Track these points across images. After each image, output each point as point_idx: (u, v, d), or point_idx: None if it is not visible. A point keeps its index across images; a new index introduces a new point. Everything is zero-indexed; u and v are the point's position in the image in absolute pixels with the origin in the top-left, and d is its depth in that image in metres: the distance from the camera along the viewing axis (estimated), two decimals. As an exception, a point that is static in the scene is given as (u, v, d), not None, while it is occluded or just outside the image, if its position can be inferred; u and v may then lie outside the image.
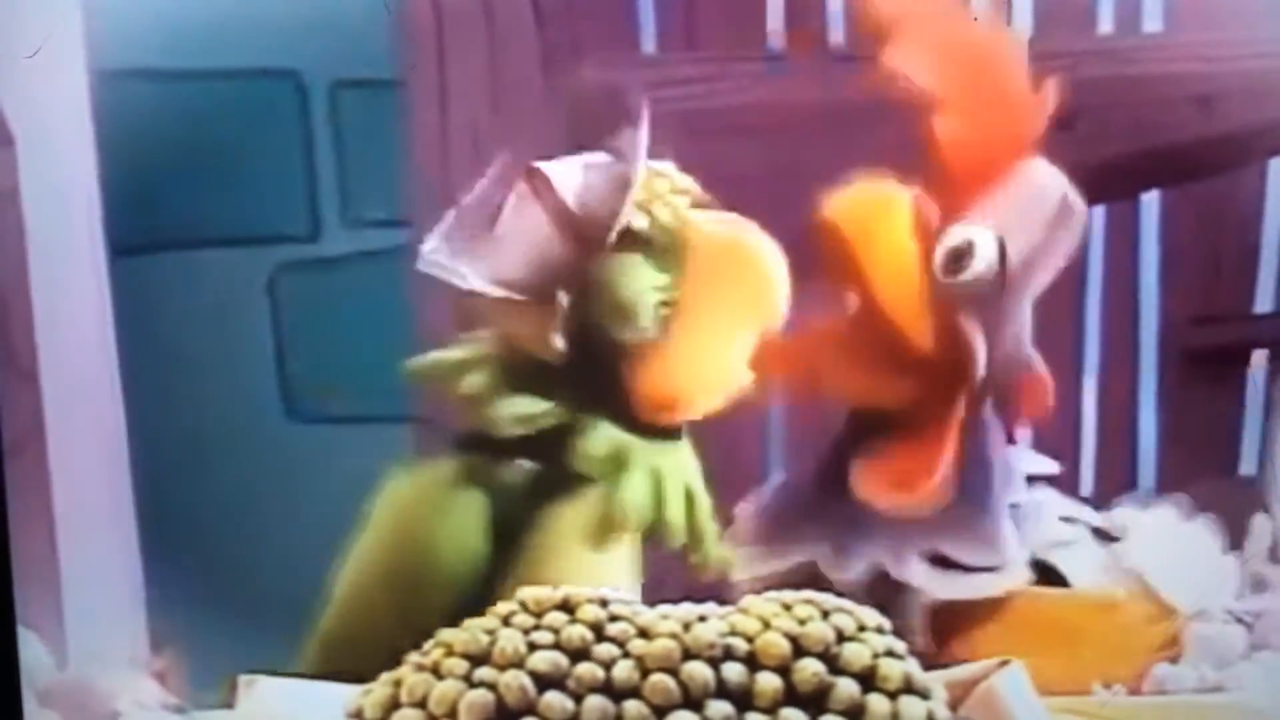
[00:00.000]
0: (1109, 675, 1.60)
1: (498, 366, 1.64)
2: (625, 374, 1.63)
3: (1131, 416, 2.16)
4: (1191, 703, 1.58)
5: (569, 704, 1.32)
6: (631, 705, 1.32)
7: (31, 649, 1.61)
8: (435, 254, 1.61)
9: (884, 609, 1.37)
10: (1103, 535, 1.74)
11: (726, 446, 1.86)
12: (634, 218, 1.63)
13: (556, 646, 1.34)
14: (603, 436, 1.64)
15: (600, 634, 1.34)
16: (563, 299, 1.60)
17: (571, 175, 1.61)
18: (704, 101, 2.01)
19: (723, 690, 1.32)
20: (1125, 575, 1.71)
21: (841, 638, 1.35)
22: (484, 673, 1.33)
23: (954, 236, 1.61)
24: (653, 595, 1.42)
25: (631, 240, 1.62)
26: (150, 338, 1.54)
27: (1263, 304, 2.15)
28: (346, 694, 1.39)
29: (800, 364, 1.68)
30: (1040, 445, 2.18)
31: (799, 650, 1.34)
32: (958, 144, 1.61)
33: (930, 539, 1.63)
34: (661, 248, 1.64)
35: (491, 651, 1.34)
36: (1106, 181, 2.17)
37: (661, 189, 1.66)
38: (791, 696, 1.33)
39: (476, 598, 1.56)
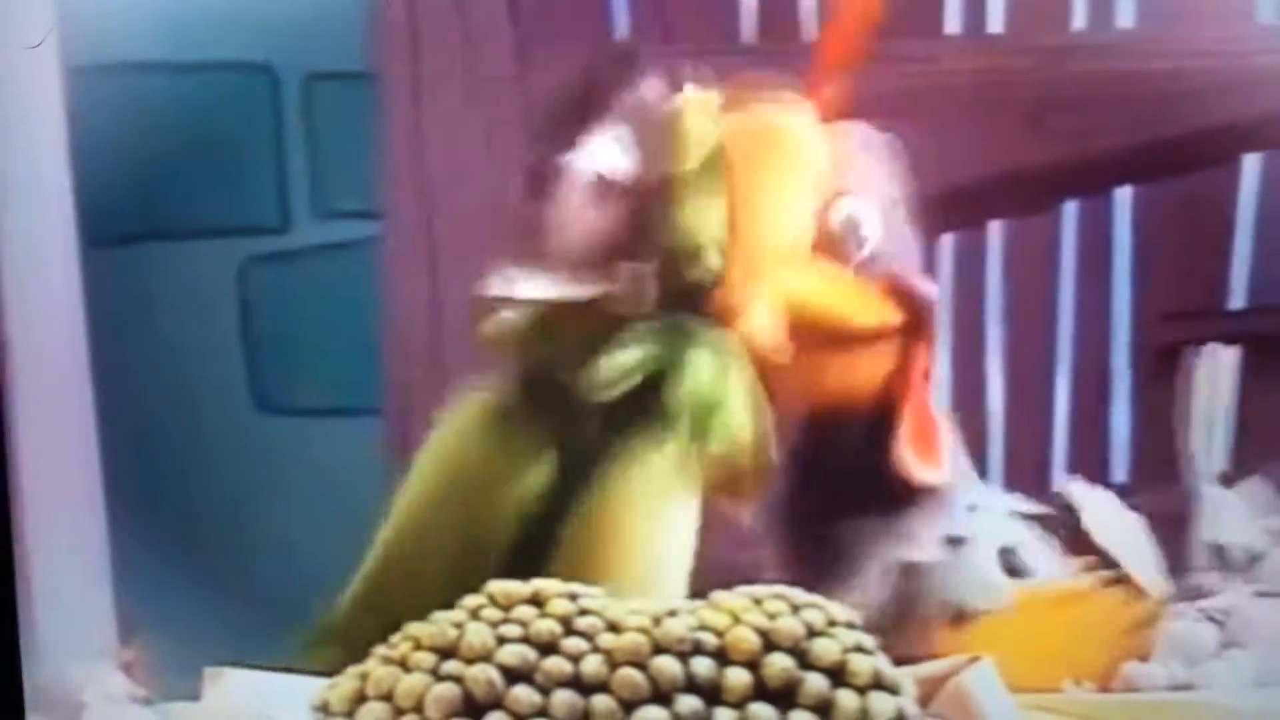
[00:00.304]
0: (1081, 669, 1.60)
1: (576, 327, 1.62)
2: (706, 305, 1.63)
3: (1104, 411, 2.16)
4: (1162, 700, 1.58)
5: (537, 698, 1.31)
6: (600, 699, 1.31)
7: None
8: (511, 287, 1.61)
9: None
10: (1053, 521, 1.76)
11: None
12: (677, 159, 1.62)
13: (525, 640, 1.33)
14: (700, 366, 1.62)
15: (569, 628, 1.34)
16: (635, 270, 1.60)
17: (600, 152, 1.62)
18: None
19: (692, 685, 1.32)
20: (1086, 563, 1.72)
21: (811, 633, 1.35)
22: (451, 666, 1.33)
23: (836, 219, 1.64)
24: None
25: (679, 184, 1.62)
26: (122, 328, 1.54)
27: (1236, 300, 2.16)
28: (313, 686, 1.39)
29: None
30: (1011, 439, 2.19)
31: (769, 645, 1.34)
32: None
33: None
34: (710, 170, 1.63)
35: (459, 645, 1.34)
36: (1080, 177, 2.17)
37: (695, 108, 1.65)
38: (761, 691, 1.32)
39: (538, 537, 1.55)
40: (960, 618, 1.65)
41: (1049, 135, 2.12)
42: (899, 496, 1.66)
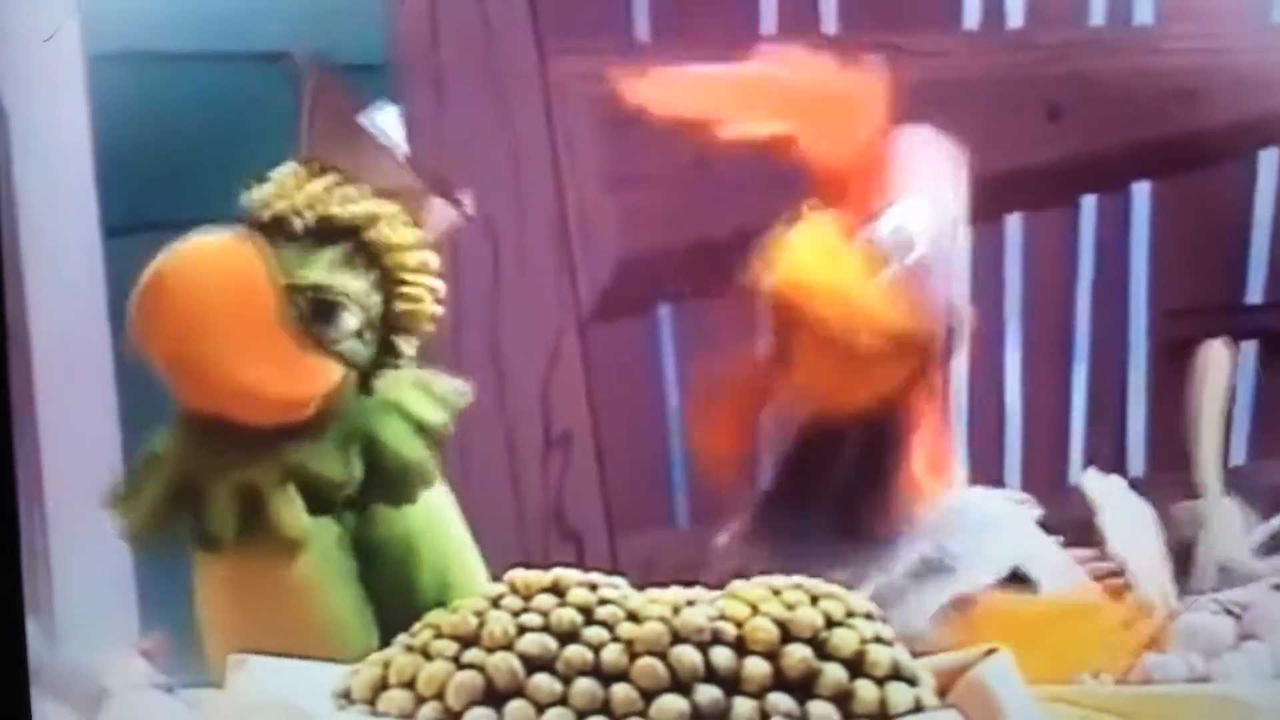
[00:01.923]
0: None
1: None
2: None
3: (1121, 406, 2.16)
4: (1179, 693, 1.58)
5: (557, 686, 1.32)
6: (620, 688, 1.32)
7: (22, 628, 1.61)
8: None
9: None
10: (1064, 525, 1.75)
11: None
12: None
13: (545, 629, 1.34)
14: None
15: (589, 617, 1.35)
16: None
17: None
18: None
19: (711, 674, 1.32)
20: (1095, 570, 1.71)
21: (830, 623, 1.35)
22: (473, 654, 1.34)
23: (884, 226, 1.61)
24: (643, 578, 1.42)
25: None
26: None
27: (1253, 295, 2.16)
28: (335, 673, 1.39)
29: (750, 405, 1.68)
30: (1029, 435, 2.19)
31: (787, 635, 1.34)
32: (824, 158, 1.62)
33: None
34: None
35: (480, 633, 1.34)
36: (1096, 173, 2.18)
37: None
38: (779, 681, 1.33)
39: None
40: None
41: (1066, 130, 2.12)
42: (892, 515, 1.65)
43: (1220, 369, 1.80)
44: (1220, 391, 1.79)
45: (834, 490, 1.64)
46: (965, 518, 1.67)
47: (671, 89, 1.64)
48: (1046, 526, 1.75)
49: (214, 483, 1.54)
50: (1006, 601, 1.64)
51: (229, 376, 1.52)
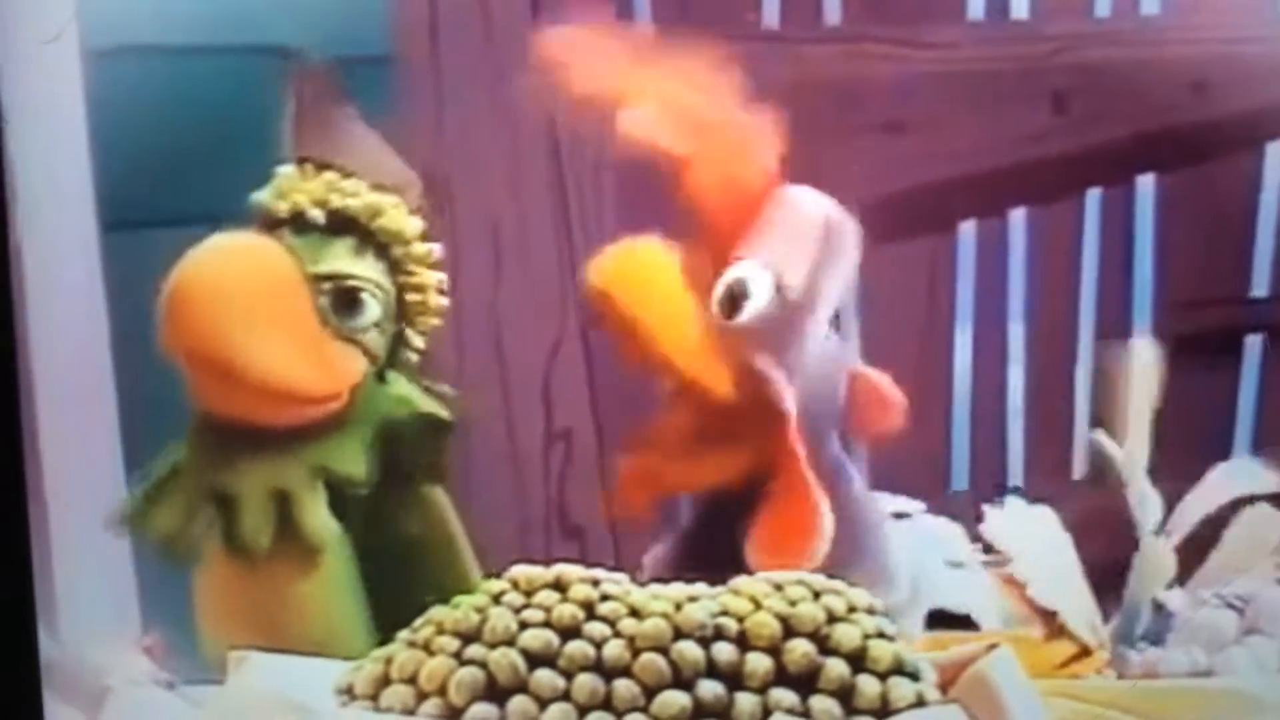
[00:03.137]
0: None
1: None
2: None
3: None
4: (1183, 687, 1.57)
5: (560, 682, 1.32)
6: (622, 684, 1.31)
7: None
8: None
9: None
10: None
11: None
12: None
13: (547, 625, 1.34)
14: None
15: (591, 613, 1.34)
16: None
17: None
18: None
19: (713, 670, 1.32)
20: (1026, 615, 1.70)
21: (832, 618, 1.35)
22: (475, 650, 1.33)
23: (726, 278, 1.56)
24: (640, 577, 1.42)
25: None
26: (141, 313, 1.54)
27: (1258, 288, 2.16)
28: (337, 669, 1.39)
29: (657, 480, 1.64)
30: (1031, 429, 2.19)
31: (789, 631, 1.34)
32: (708, 192, 1.59)
33: None
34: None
35: (482, 629, 1.34)
36: (1102, 165, 2.17)
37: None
38: (782, 677, 1.32)
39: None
40: None
41: (1071, 123, 2.12)
42: None
43: (1147, 370, 1.77)
44: (1148, 394, 1.76)
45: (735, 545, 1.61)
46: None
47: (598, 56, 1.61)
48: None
49: (245, 489, 1.53)
50: (949, 642, 1.62)
51: (264, 375, 1.52)
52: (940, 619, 1.66)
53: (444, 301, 1.61)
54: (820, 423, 1.59)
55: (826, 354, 1.60)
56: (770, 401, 1.54)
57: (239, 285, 1.52)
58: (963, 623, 1.67)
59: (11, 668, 1.54)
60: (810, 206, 1.60)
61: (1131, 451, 1.73)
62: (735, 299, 1.56)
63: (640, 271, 1.56)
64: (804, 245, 1.58)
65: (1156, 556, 1.72)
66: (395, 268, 1.58)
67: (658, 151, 1.56)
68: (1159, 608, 1.71)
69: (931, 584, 1.67)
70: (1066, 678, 1.62)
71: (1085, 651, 1.67)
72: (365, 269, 1.56)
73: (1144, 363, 1.76)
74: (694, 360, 1.54)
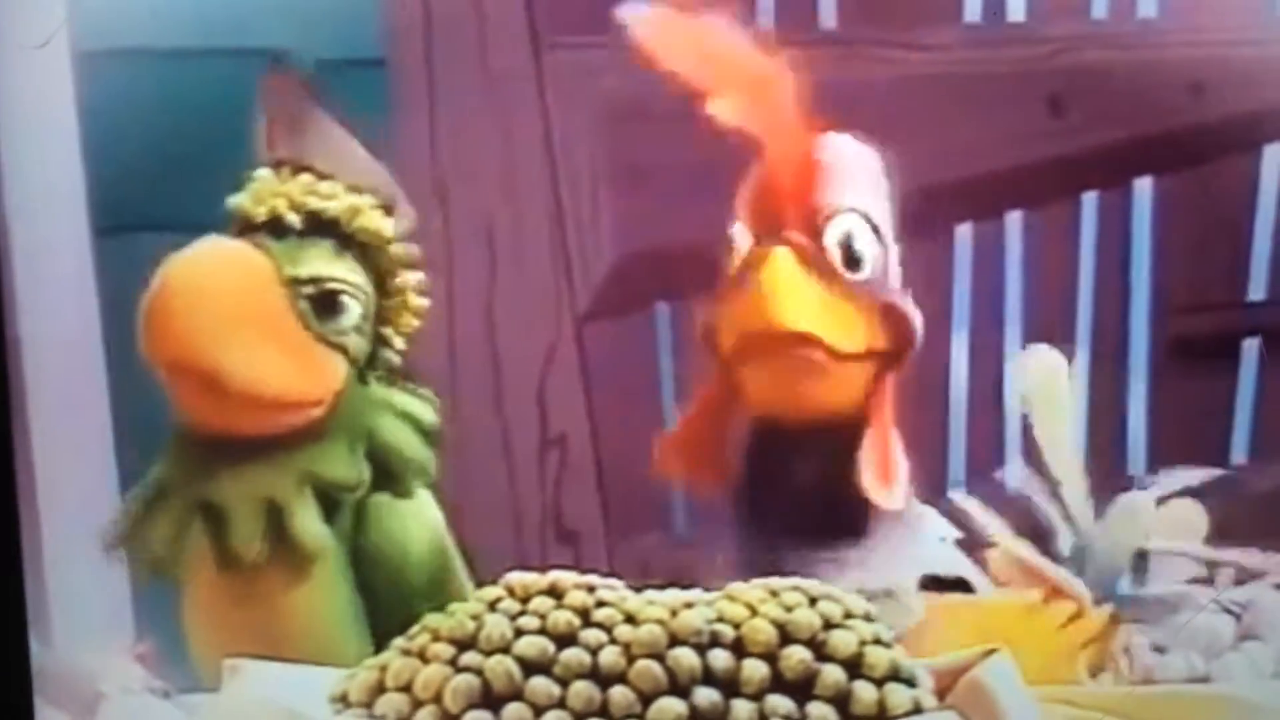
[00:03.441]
0: (1047, 677, 1.58)
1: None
2: None
3: (1121, 404, 2.16)
4: (1179, 691, 1.57)
5: (555, 689, 1.31)
6: (618, 691, 1.31)
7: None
8: None
9: None
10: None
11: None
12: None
13: (543, 632, 1.33)
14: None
15: (587, 619, 1.34)
16: None
17: None
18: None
19: (709, 677, 1.32)
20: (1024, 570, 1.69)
21: (828, 625, 1.35)
22: (470, 658, 1.33)
23: (831, 237, 1.62)
24: (640, 580, 1.41)
25: None
26: (134, 318, 1.54)
27: (1255, 291, 2.15)
28: (331, 677, 1.39)
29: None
30: (1029, 434, 2.18)
31: (786, 637, 1.33)
32: (781, 167, 1.62)
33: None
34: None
35: (478, 636, 1.34)
36: (1099, 168, 2.17)
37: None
38: (778, 683, 1.32)
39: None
40: None
41: (1068, 125, 2.11)
42: (854, 522, 1.64)
43: (1051, 377, 1.76)
44: (1059, 402, 1.75)
45: (791, 501, 1.64)
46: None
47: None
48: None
49: (233, 500, 1.52)
50: (950, 606, 1.63)
51: (247, 381, 1.51)
52: (936, 584, 1.66)
53: (424, 302, 1.61)
54: None
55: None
56: (904, 335, 1.64)
57: (218, 293, 1.52)
58: (958, 587, 1.68)
59: (2, 674, 1.54)
60: (858, 148, 1.65)
61: (1058, 463, 1.73)
62: (852, 253, 1.61)
63: (784, 297, 1.59)
64: (875, 186, 1.65)
65: (1135, 509, 1.71)
66: (375, 269, 1.58)
67: (742, 136, 1.59)
68: (1140, 559, 1.71)
69: (923, 558, 1.68)
70: (1068, 648, 1.62)
71: (1082, 612, 1.66)
72: (345, 271, 1.56)
73: (1049, 369, 1.75)
74: (851, 330, 1.61)
